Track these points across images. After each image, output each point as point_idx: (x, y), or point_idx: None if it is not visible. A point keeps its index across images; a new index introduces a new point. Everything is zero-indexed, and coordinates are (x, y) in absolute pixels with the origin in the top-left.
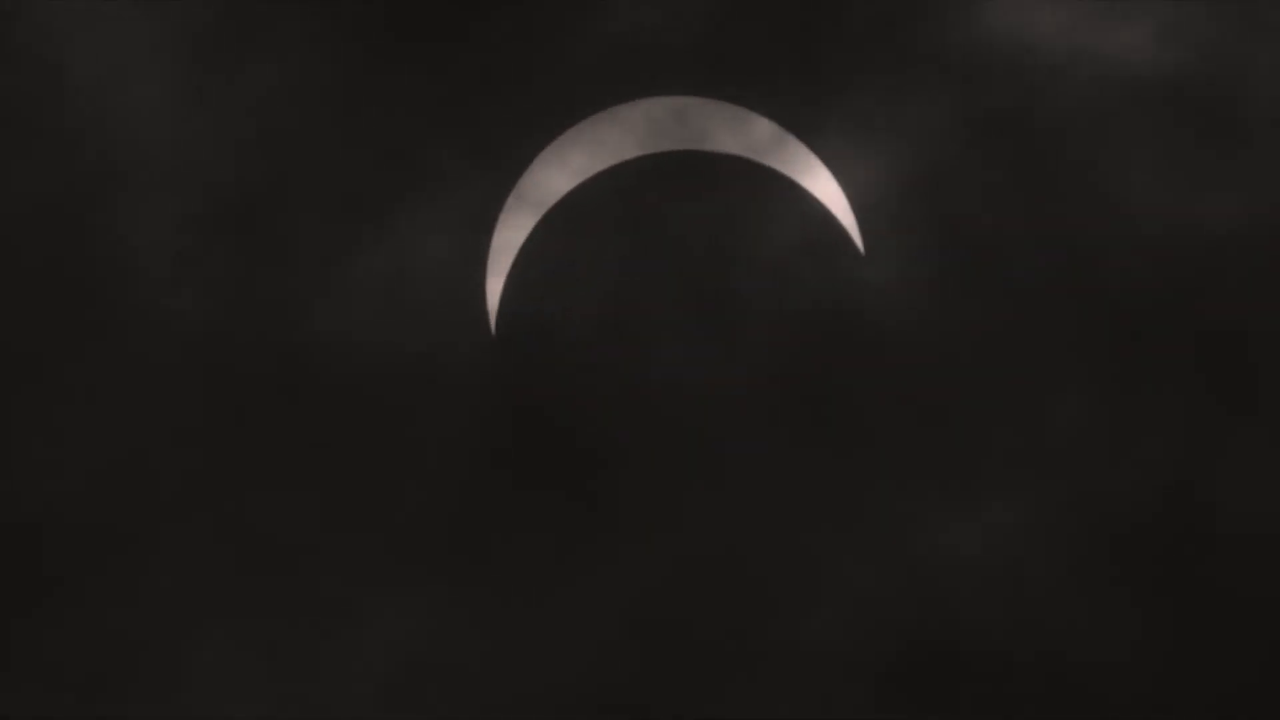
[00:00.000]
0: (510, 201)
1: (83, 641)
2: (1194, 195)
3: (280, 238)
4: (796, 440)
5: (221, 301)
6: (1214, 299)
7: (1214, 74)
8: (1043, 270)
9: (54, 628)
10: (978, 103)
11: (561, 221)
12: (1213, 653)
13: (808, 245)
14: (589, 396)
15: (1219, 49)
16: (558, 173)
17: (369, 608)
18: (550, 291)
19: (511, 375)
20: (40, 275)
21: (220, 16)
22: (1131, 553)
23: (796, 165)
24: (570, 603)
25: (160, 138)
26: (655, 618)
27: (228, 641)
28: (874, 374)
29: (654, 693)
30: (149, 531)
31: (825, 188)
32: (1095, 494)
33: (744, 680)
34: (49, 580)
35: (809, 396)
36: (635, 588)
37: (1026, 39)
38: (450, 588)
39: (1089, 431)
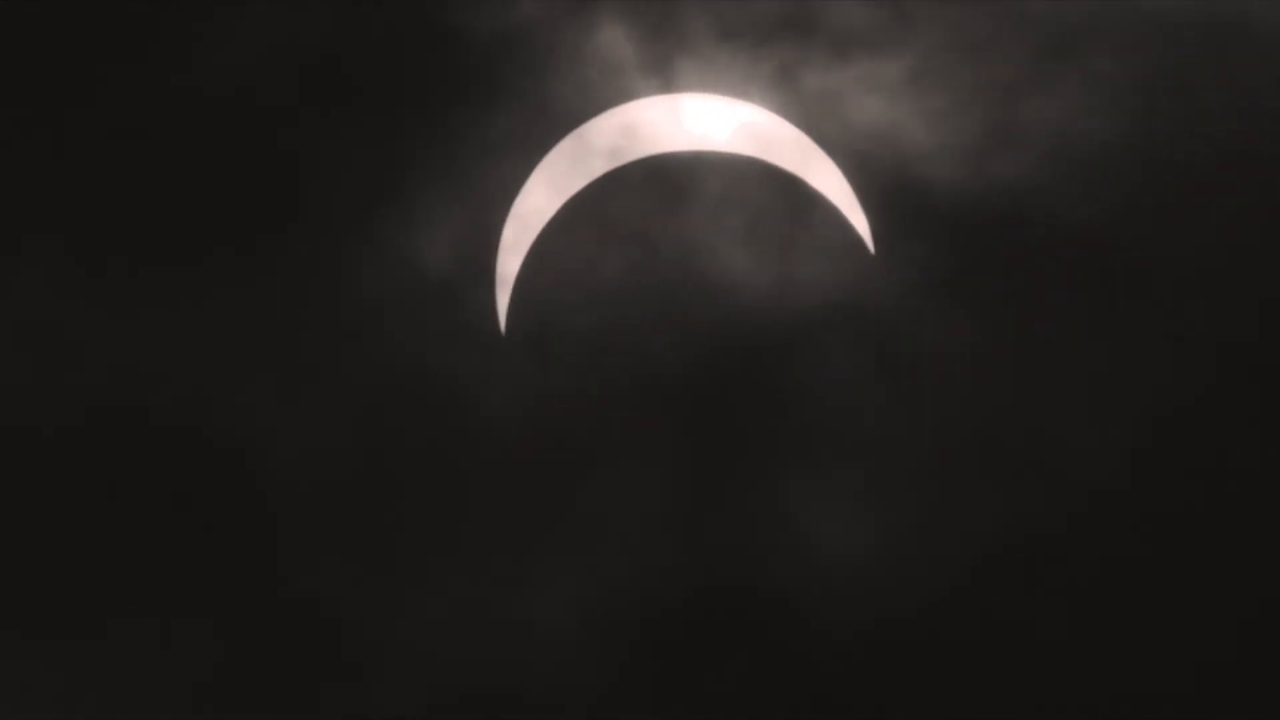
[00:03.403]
0: (515, 200)
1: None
2: None
3: (282, 237)
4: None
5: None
6: None
7: None
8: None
9: None
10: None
11: (566, 221)
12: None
13: (817, 244)
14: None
15: None
16: (562, 172)
17: (374, 595)
18: (556, 291)
19: (521, 374)
20: None
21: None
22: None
23: (805, 163)
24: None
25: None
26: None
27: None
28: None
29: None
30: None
31: (834, 186)
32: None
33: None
34: None
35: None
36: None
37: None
38: (451, 584)
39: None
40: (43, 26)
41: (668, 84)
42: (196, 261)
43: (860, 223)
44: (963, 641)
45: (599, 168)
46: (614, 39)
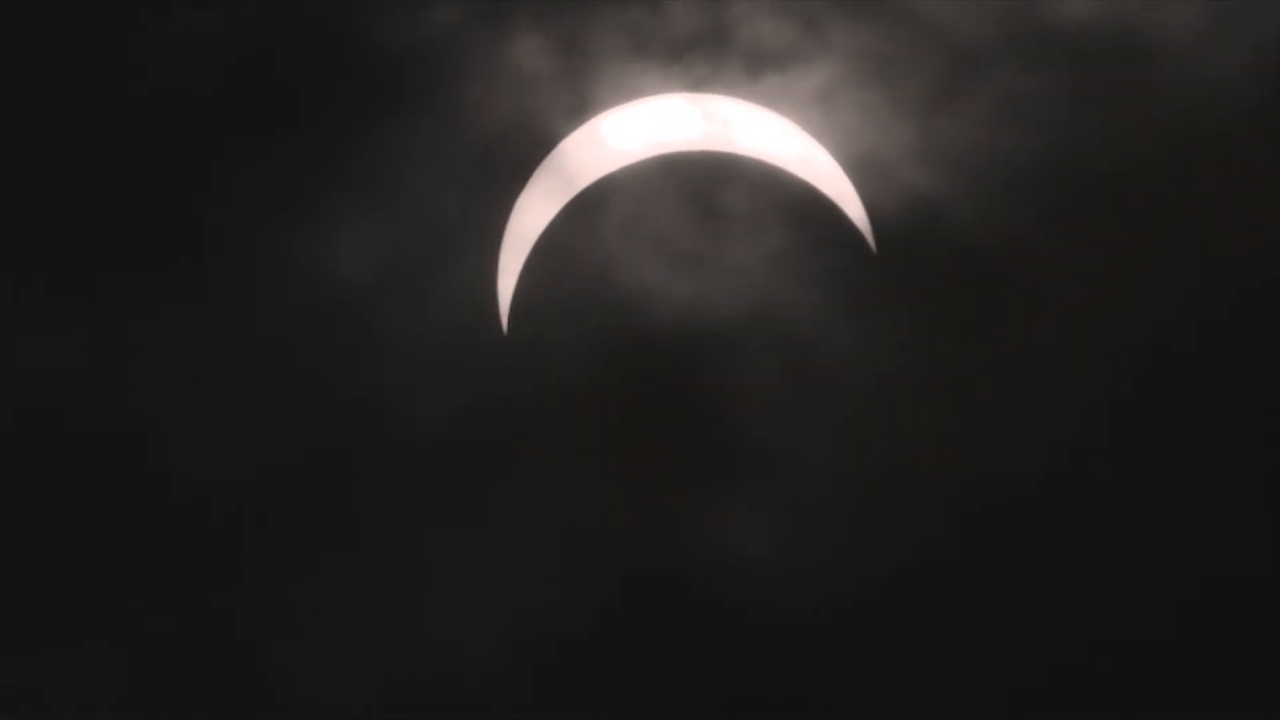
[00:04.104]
0: (520, 200)
1: None
2: None
3: (286, 238)
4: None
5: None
6: None
7: None
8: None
9: None
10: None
11: (570, 221)
12: None
13: (818, 243)
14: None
15: None
16: (567, 172)
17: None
18: (559, 290)
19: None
20: None
21: None
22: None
23: (808, 163)
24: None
25: None
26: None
27: None
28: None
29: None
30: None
31: (838, 186)
32: None
33: None
34: None
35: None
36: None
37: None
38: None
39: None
40: None
41: (581, 99)
42: (110, 270)
43: (776, 237)
44: (876, 642)
45: (608, 166)
46: (528, 51)
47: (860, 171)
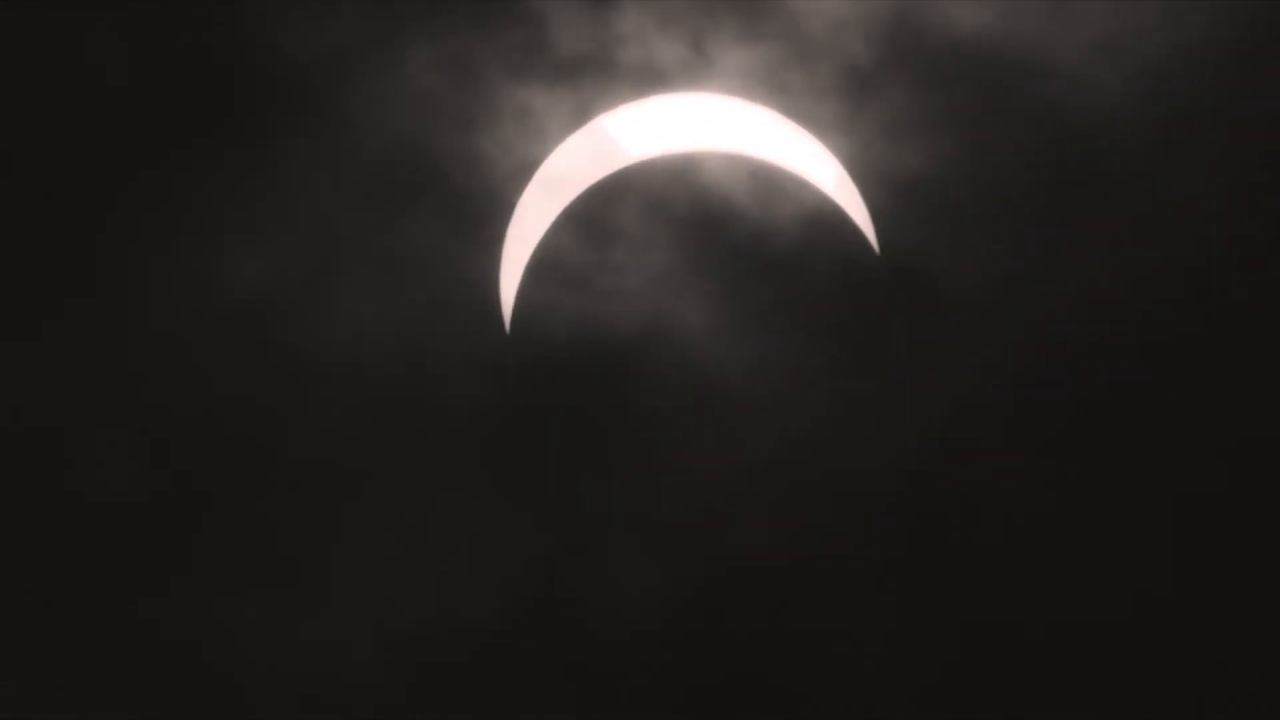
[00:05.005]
0: (523, 199)
1: None
2: None
3: (288, 238)
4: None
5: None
6: None
7: None
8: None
9: None
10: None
11: (573, 220)
12: None
13: (820, 243)
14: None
15: None
16: (569, 171)
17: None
18: (562, 290)
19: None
20: None
21: None
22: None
23: (807, 161)
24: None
25: None
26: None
27: None
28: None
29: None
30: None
31: (839, 184)
32: None
33: None
34: None
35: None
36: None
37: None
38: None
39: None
40: None
41: (469, 119)
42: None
43: (662, 255)
44: (770, 655)
45: (608, 167)
46: (420, 66)
47: (751, 188)
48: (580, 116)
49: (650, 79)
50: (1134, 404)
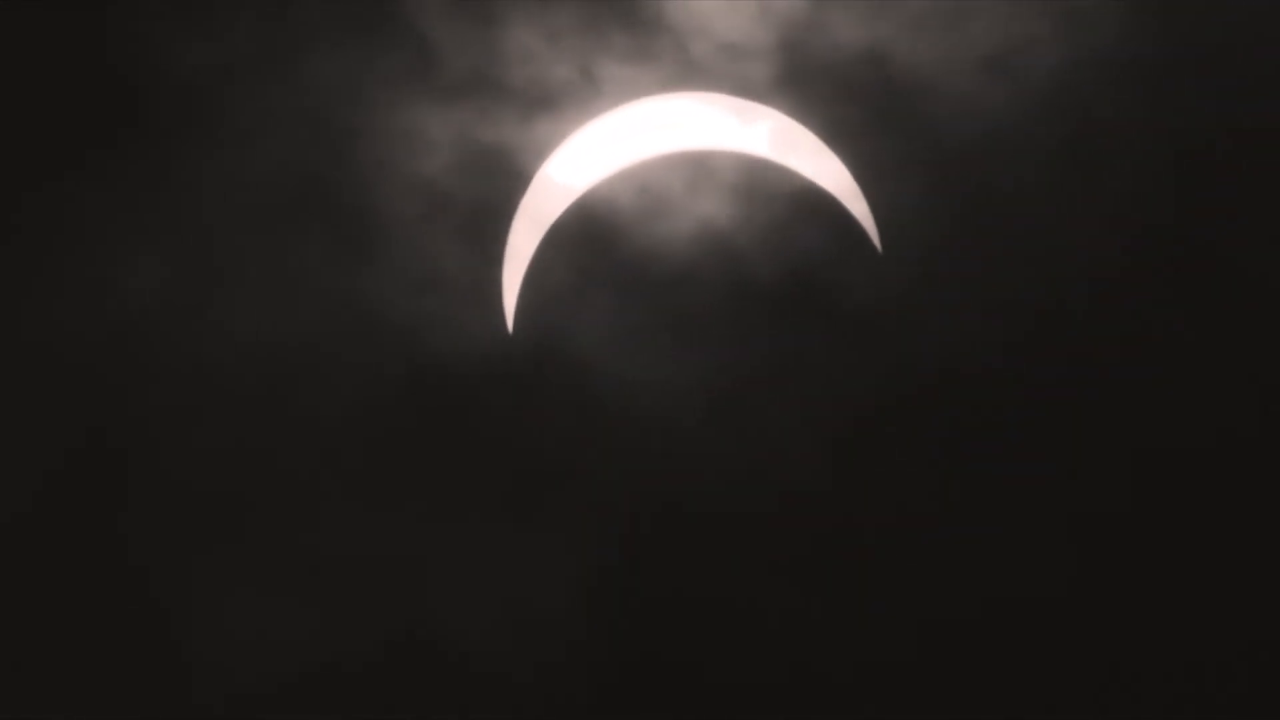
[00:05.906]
0: (524, 199)
1: None
2: None
3: (291, 238)
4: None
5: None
6: None
7: None
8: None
9: None
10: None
11: (574, 221)
12: None
13: (823, 243)
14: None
15: None
16: (570, 171)
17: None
18: (564, 291)
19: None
20: None
21: None
22: None
23: (810, 161)
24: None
25: None
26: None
27: None
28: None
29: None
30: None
31: (840, 184)
32: None
33: None
34: None
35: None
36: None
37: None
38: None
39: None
40: None
41: (353, 137)
42: None
43: (555, 278)
44: (669, 683)
45: (611, 166)
46: (317, 77)
47: (638, 208)
48: (466, 136)
49: (536, 103)
50: (1025, 428)
